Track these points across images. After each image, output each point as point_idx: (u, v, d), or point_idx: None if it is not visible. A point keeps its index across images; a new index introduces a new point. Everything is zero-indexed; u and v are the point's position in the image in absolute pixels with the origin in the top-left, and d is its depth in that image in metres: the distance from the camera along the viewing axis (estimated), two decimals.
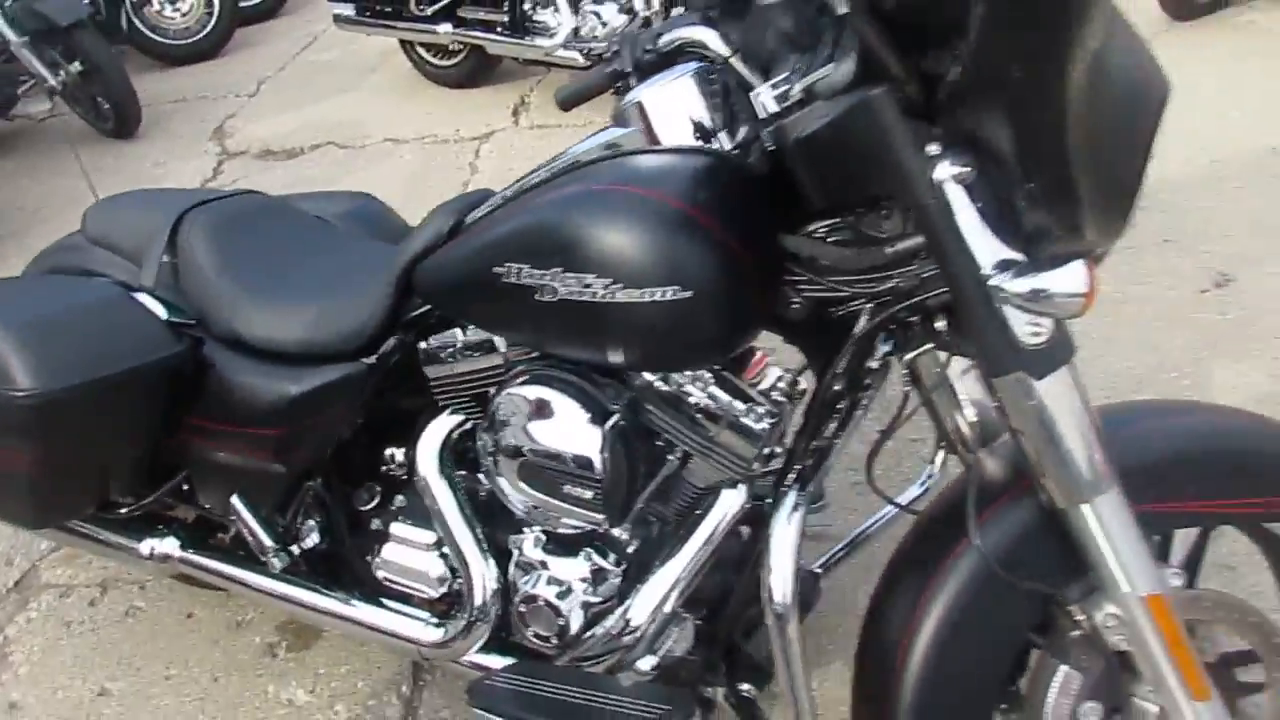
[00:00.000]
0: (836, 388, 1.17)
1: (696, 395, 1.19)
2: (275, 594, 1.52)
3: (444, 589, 1.42)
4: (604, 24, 3.64)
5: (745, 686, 1.30)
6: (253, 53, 5.46)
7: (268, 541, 1.46)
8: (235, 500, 1.47)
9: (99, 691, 1.78)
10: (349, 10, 4.25)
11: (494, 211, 1.19)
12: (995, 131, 0.84)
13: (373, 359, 1.36)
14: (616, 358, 1.12)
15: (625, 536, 1.29)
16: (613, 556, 1.30)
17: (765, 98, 1.02)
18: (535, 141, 3.84)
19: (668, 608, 1.22)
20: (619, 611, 1.26)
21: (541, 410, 1.18)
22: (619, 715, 1.19)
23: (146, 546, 1.61)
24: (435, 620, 1.41)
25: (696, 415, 1.19)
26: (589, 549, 1.30)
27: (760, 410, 1.18)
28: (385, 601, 1.47)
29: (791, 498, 1.10)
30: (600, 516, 1.18)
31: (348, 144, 4.06)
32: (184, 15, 5.33)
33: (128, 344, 1.39)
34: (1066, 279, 0.86)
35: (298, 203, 1.73)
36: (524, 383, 1.20)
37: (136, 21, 5.22)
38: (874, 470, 1.20)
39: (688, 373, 1.18)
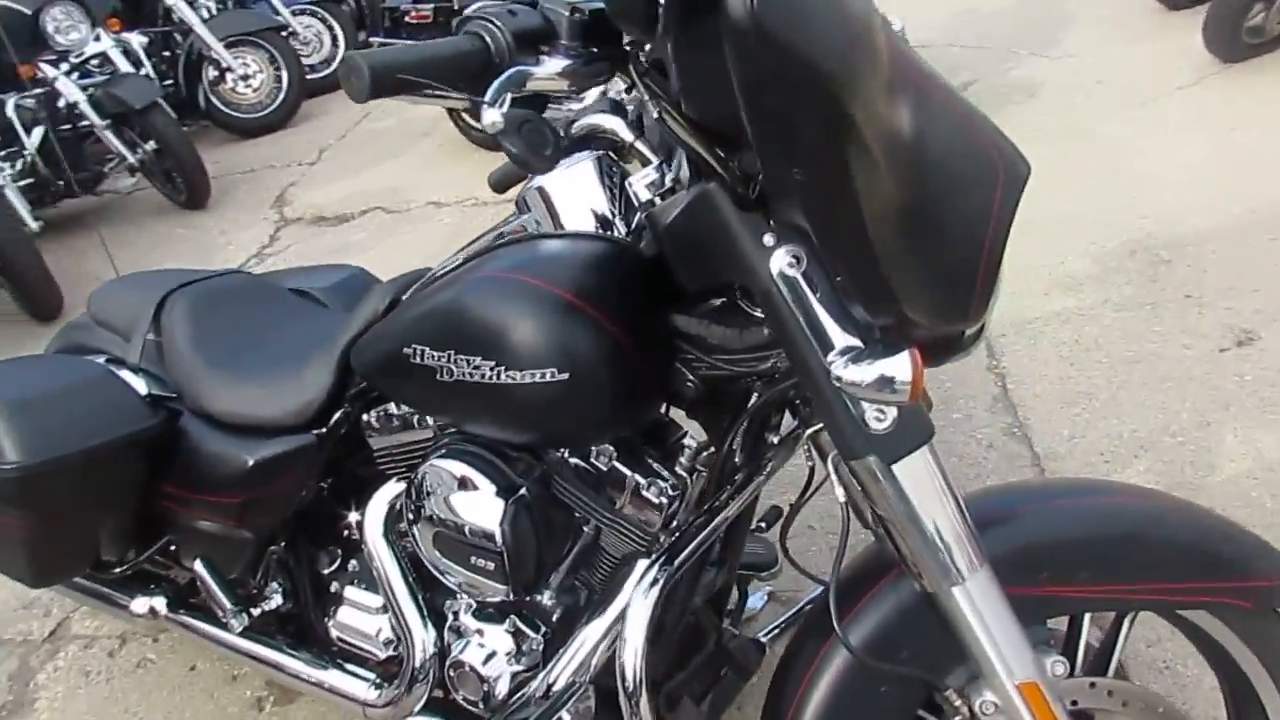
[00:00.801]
0: (735, 461, 1.20)
1: (602, 469, 1.23)
2: (241, 650, 1.60)
3: (390, 651, 1.48)
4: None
5: None
6: (318, 123, 5.77)
7: (226, 603, 1.55)
8: (197, 565, 1.57)
9: None
10: None
11: (415, 293, 1.26)
12: (805, 226, 0.87)
13: (322, 430, 1.44)
14: (513, 435, 1.18)
15: (550, 604, 1.33)
16: (539, 623, 1.34)
17: (637, 186, 1.07)
18: None
19: (586, 676, 1.26)
20: (540, 678, 1.29)
21: (453, 483, 1.24)
22: None
23: (138, 604, 1.72)
24: (380, 681, 1.47)
25: (602, 489, 1.23)
26: (514, 616, 1.34)
27: (663, 484, 1.21)
28: (340, 661, 1.53)
29: (652, 572, 1.12)
30: (503, 588, 1.23)
31: (394, 208, 4.25)
32: (255, 90, 5.67)
33: (107, 418, 1.50)
34: (892, 367, 0.88)
35: (286, 278, 1.84)
36: (441, 456, 1.26)
37: (213, 98, 5.58)
38: (789, 541, 1.21)
39: (593, 447, 1.23)
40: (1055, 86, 4.10)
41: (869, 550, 1.09)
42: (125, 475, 1.54)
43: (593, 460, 1.23)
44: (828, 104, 0.77)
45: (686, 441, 1.26)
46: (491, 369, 1.09)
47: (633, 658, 1.09)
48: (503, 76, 0.89)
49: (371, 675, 1.49)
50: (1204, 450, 2.04)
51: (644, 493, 1.21)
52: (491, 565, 1.21)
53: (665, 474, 1.22)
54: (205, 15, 5.46)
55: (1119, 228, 2.94)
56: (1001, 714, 1.01)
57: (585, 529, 1.29)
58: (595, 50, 0.96)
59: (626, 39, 0.96)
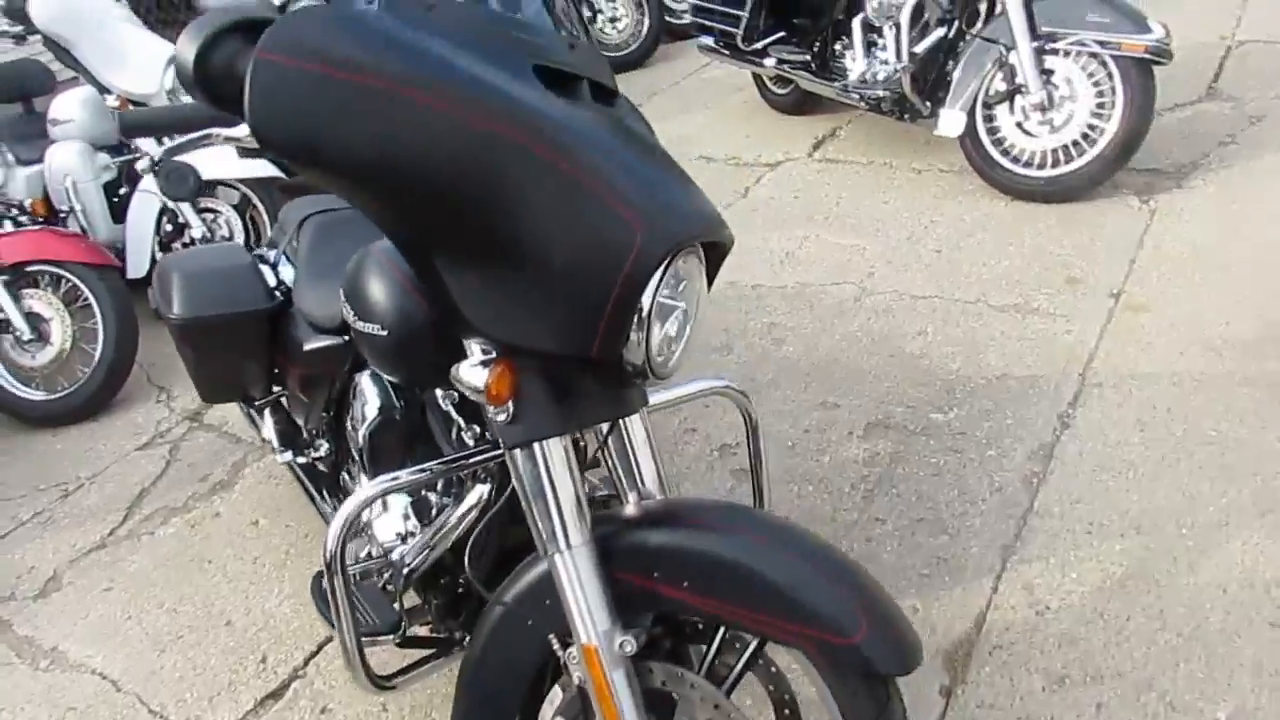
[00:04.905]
0: None
1: (444, 409, 1.61)
2: (296, 476, 2.22)
3: None
4: (883, 70, 3.79)
5: (459, 634, 1.69)
6: (668, 66, 6.30)
7: (275, 442, 2.17)
8: (267, 411, 2.20)
9: (253, 522, 2.66)
10: (709, 41, 4.83)
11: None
12: None
13: (348, 338, 1.96)
14: (376, 367, 1.60)
15: (435, 500, 1.75)
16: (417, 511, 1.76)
17: None
18: (814, 175, 4.12)
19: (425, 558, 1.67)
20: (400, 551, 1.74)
21: (361, 392, 1.71)
22: (359, 612, 1.68)
23: (265, 430, 2.40)
24: None
25: (445, 423, 1.62)
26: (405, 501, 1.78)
27: (475, 429, 1.57)
28: (340, 501, 2.08)
29: (378, 483, 1.46)
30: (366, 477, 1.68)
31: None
32: (619, 32, 6.34)
33: (238, 296, 2.15)
34: (479, 375, 1.17)
35: None
36: (365, 373, 1.73)
37: None
38: None
39: (439, 392, 1.61)
40: None
41: None
42: (250, 336, 2.18)
43: (441, 401, 1.62)
44: (350, 186, 1.07)
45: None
46: (355, 317, 1.52)
47: (334, 539, 1.45)
48: (194, 134, 1.29)
49: None
50: (1197, 550, 1.90)
51: (462, 433, 1.58)
52: (358, 454, 1.67)
53: (474, 425, 1.57)
54: None
55: None
56: (579, 665, 1.28)
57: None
58: None
59: None
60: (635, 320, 1.15)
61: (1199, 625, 1.73)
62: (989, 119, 3.46)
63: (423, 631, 1.78)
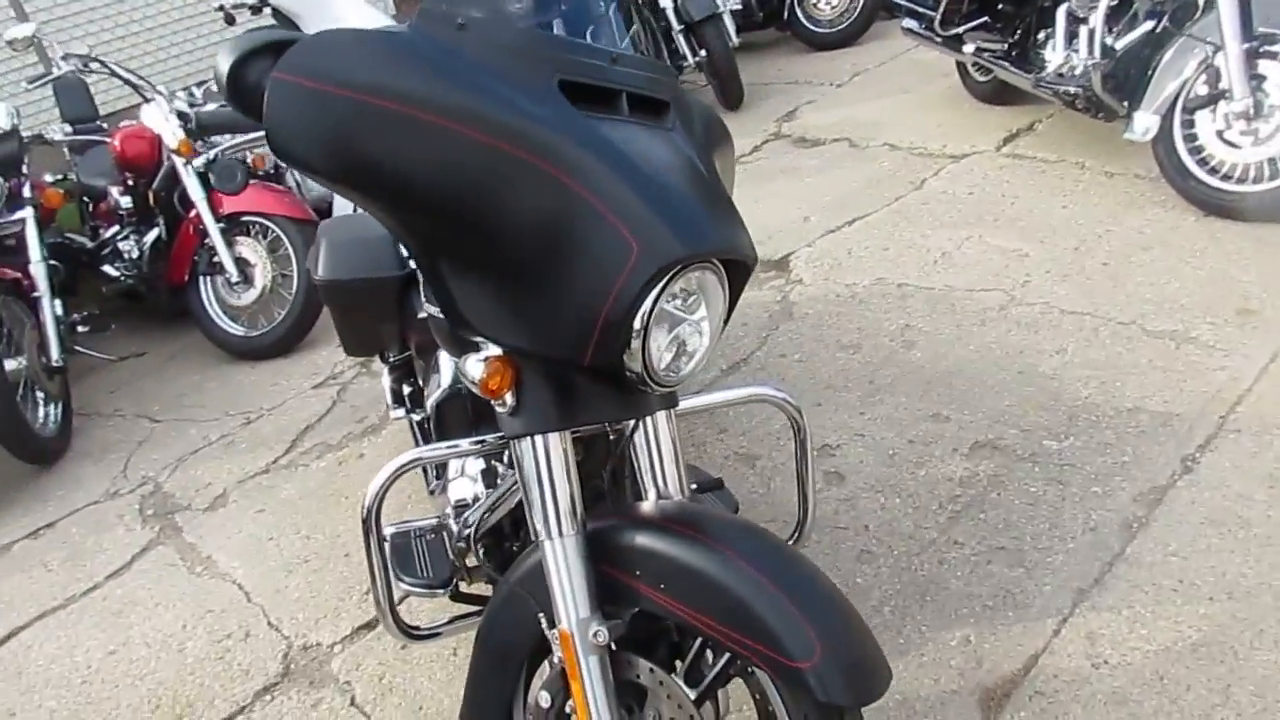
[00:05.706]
0: None
1: None
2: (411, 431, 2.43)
3: None
4: (1079, 64, 3.51)
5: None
6: (876, 44, 6.09)
7: (389, 400, 2.37)
8: (386, 370, 2.40)
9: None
10: (913, 24, 4.64)
11: None
12: None
13: None
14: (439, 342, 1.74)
15: (500, 470, 1.88)
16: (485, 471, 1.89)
17: None
18: (996, 171, 3.90)
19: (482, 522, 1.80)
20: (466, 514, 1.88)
21: (439, 368, 1.86)
22: (422, 558, 1.83)
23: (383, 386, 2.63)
24: None
25: None
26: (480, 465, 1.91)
27: None
28: None
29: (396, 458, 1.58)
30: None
31: (857, 143, 4.56)
32: (833, 7, 6.18)
33: (372, 263, 2.35)
34: (475, 368, 1.27)
35: None
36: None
37: (797, 10, 6.23)
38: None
39: None
40: None
41: None
42: (379, 300, 2.38)
43: None
44: (353, 191, 1.17)
45: None
46: (424, 298, 1.66)
47: (370, 497, 1.58)
48: (248, 136, 1.43)
49: None
50: None
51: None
52: (427, 421, 1.83)
53: None
54: None
55: None
56: (558, 646, 1.35)
57: None
58: None
59: None
60: (633, 330, 1.20)
61: (1265, 709, 1.57)
62: (1188, 124, 3.15)
63: (485, 590, 1.92)
